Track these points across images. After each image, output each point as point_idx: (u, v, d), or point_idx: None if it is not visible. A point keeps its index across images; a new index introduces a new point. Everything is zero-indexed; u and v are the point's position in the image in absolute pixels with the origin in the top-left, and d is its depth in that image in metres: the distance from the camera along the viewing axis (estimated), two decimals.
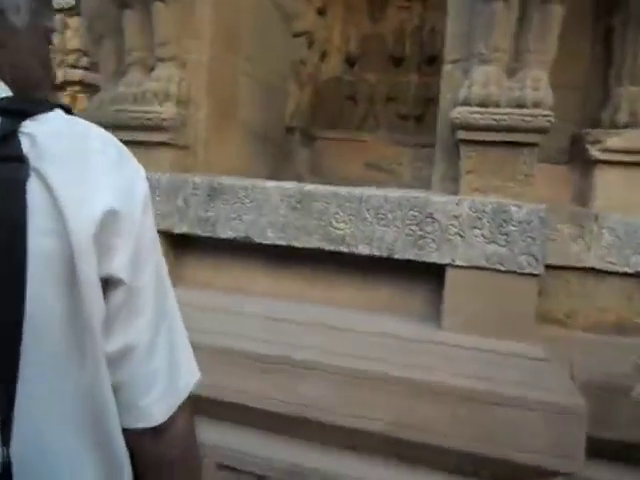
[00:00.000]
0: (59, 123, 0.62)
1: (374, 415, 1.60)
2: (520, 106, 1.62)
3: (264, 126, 2.72)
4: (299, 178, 3.82)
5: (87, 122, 0.66)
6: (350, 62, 4.29)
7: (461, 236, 1.67)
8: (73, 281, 0.57)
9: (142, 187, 0.66)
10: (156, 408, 0.66)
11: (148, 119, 2.01)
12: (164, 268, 0.71)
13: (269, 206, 1.87)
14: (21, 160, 0.56)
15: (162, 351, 0.67)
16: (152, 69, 2.14)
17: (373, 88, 4.22)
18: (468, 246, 1.66)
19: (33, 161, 0.57)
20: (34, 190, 0.56)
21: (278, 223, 1.86)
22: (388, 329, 1.74)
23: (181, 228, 1.98)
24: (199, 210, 1.95)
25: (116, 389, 0.65)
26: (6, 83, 0.66)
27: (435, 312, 1.75)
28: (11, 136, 0.57)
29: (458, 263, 1.67)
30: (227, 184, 1.92)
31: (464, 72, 1.78)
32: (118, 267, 0.61)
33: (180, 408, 0.69)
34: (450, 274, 1.70)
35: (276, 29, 2.76)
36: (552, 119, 1.61)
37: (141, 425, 0.66)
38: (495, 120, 1.64)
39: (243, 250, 1.98)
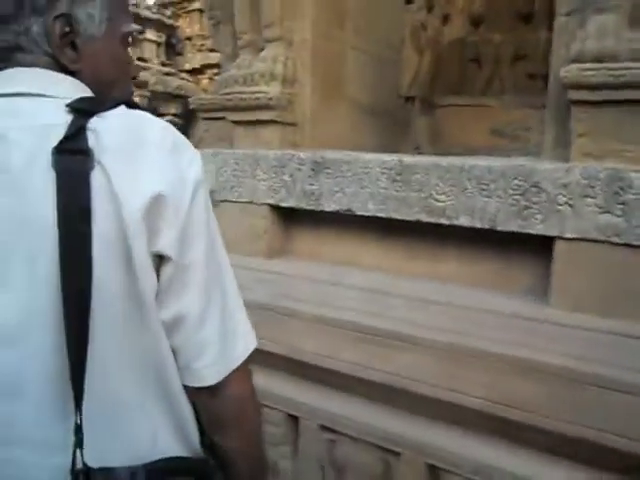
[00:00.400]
0: (121, 119, 0.70)
1: (471, 391, 1.57)
2: None
3: (375, 99, 2.70)
4: (418, 149, 3.76)
5: (148, 115, 0.74)
6: (475, 23, 4.06)
7: (571, 206, 1.54)
8: (128, 257, 0.66)
9: (193, 174, 0.72)
10: (207, 371, 0.74)
11: (256, 99, 2.12)
12: (219, 247, 0.78)
13: (370, 179, 1.88)
14: (87, 153, 0.65)
15: (213, 322, 0.74)
16: (261, 51, 2.24)
17: (499, 48, 3.97)
18: (579, 217, 1.53)
19: (97, 154, 0.66)
20: (97, 179, 0.65)
21: (379, 195, 1.86)
22: (490, 305, 1.67)
23: (288, 202, 2.08)
24: (304, 184, 2.02)
25: (174, 352, 0.73)
26: (86, 84, 0.77)
27: (542, 288, 1.65)
28: (79, 132, 0.66)
29: (567, 235, 1.55)
30: (329, 158, 1.96)
31: (580, 24, 1.61)
32: (165, 245, 0.68)
33: (234, 373, 0.76)
34: (558, 247, 1.58)
35: None
36: None
37: (195, 384, 0.75)
38: (613, 76, 1.47)
39: (346, 223, 2.02)
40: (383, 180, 1.84)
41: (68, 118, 0.67)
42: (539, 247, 1.63)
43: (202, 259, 0.72)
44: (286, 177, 2.06)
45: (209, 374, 0.74)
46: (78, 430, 0.65)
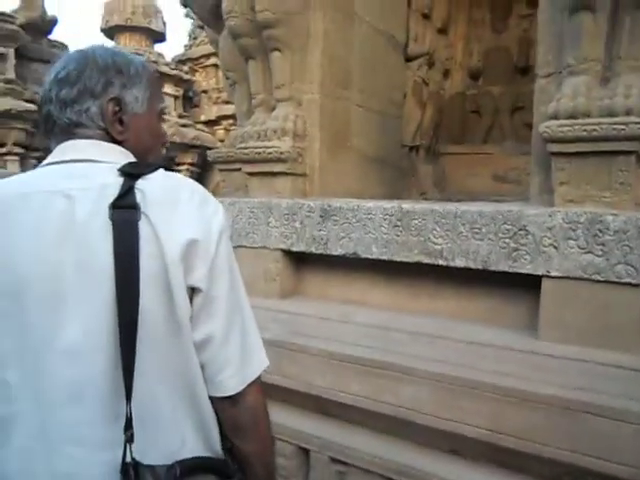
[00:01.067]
0: (160, 180, 0.89)
1: (468, 420, 1.68)
2: (611, 115, 1.62)
3: (380, 150, 2.92)
4: (424, 195, 3.95)
5: (181, 177, 0.93)
6: (474, 77, 4.31)
7: (555, 247, 1.69)
8: (169, 290, 0.83)
9: (218, 223, 0.90)
10: (229, 382, 0.90)
11: (269, 153, 2.33)
12: (239, 281, 0.95)
13: (373, 224, 2.05)
14: (135, 207, 0.82)
15: (234, 342, 0.91)
16: (274, 109, 2.46)
17: (497, 100, 4.19)
18: (563, 257, 1.68)
19: (143, 208, 0.83)
20: (143, 228, 0.82)
21: (381, 240, 2.03)
22: (485, 338, 1.81)
23: (299, 246, 2.25)
24: (313, 230, 2.20)
25: (202, 367, 0.90)
26: (130, 151, 0.96)
27: (532, 323, 1.78)
28: (129, 191, 0.84)
29: (553, 274, 1.70)
30: (336, 206, 2.14)
31: (557, 85, 1.81)
32: (197, 280, 0.85)
33: (251, 386, 0.92)
34: (546, 285, 1.72)
35: (387, 59, 2.95)
36: None
37: (219, 394, 0.91)
38: (586, 131, 1.65)
39: (353, 265, 2.18)
40: (385, 226, 2.02)
41: (119, 180, 0.85)
42: (528, 285, 1.77)
43: (226, 291, 0.89)
44: (297, 224, 2.24)
45: (230, 385, 0.90)
46: (129, 427, 0.80)
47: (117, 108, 0.94)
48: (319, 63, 2.40)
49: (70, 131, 0.93)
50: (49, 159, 0.93)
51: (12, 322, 0.83)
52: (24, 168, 8.73)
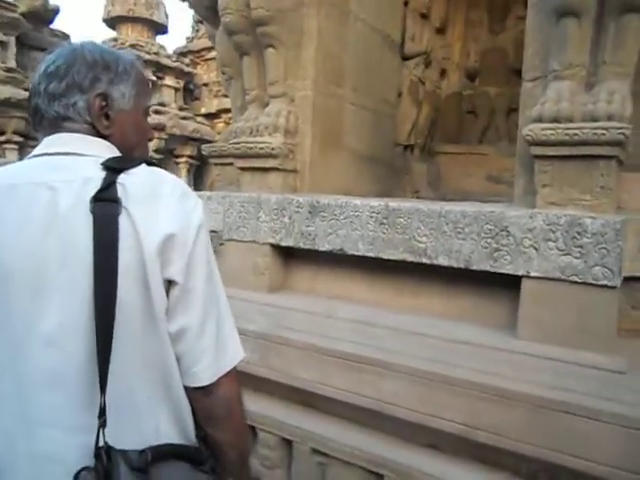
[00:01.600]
0: (142, 175, 0.92)
1: (446, 415, 1.72)
2: (593, 120, 1.65)
3: (372, 148, 2.94)
4: (417, 193, 3.98)
5: (162, 172, 0.95)
6: (470, 77, 4.34)
7: (535, 248, 1.72)
8: (145, 282, 0.86)
9: (196, 218, 0.93)
10: (204, 373, 0.93)
11: (261, 148, 2.36)
12: (216, 274, 0.98)
13: (360, 222, 2.08)
14: (116, 202, 0.85)
15: (209, 334, 0.93)
16: (267, 105, 2.49)
17: (493, 101, 4.22)
18: (542, 258, 1.71)
19: (124, 202, 0.86)
20: (123, 221, 0.85)
21: (368, 237, 2.06)
22: (465, 336, 1.84)
23: (287, 242, 2.28)
24: (302, 226, 2.23)
25: (178, 358, 0.93)
26: (115, 146, 0.99)
27: (512, 322, 1.81)
28: (111, 185, 0.86)
29: (533, 274, 1.73)
30: (324, 202, 2.18)
31: (542, 89, 1.84)
32: (174, 272, 0.88)
33: (225, 377, 0.95)
34: (525, 285, 1.76)
35: (382, 58, 2.97)
36: (627, 131, 1.61)
37: (193, 385, 0.94)
38: (568, 135, 1.68)
39: (339, 261, 2.22)
40: (371, 223, 2.05)
41: (102, 174, 0.88)
42: (509, 285, 1.80)
43: (202, 284, 0.92)
44: (286, 219, 2.28)
45: (205, 376, 0.93)
46: (102, 414, 0.84)
47: (104, 103, 0.97)
48: (313, 60, 2.42)
49: (57, 124, 0.96)
50: (36, 151, 0.96)
51: None
52: (22, 156, 8.75)
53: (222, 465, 1.00)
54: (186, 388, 0.95)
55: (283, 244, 2.30)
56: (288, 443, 2.08)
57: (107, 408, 0.84)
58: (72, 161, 0.92)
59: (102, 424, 0.83)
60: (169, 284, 0.89)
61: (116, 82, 0.99)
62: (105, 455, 0.82)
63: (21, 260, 0.85)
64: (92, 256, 0.83)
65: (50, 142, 0.95)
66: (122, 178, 0.88)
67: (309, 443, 2.00)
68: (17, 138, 8.89)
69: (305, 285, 2.34)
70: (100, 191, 0.85)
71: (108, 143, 0.98)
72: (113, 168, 0.89)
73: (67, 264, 0.84)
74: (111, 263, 0.83)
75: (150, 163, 0.97)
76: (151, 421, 0.92)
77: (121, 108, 1.00)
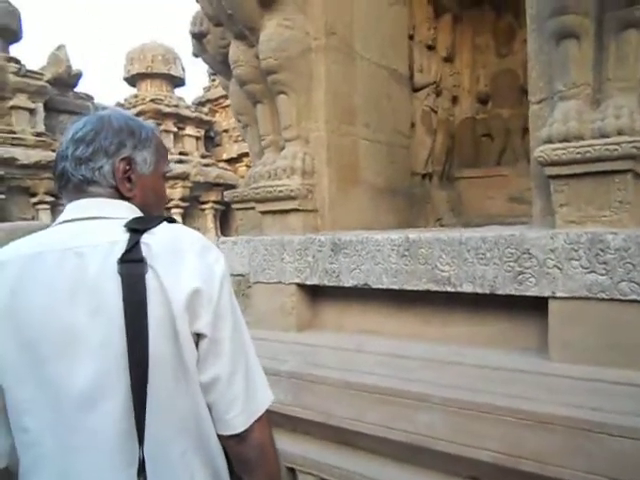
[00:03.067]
0: (163, 233, 0.96)
1: (484, 445, 1.69)
2: (603, 136, 1.66)
3: (389, 180, 2.98)
4: (440, 221, 3.98)
5: (183, 228, 1.01)
6: (482, 101, 4.38)
7: (559, 268, 1.72)
8: (175, 336, 0.90)
9: (219, 270, 0.96)
10: (236, 421, 0.96)
11: (280, 191, 2.42)
12: (241, 323, 1.01)
13: (382, 255, 2.10)
14: (142, 261, 0.90)
15: (239, 382, 0.96)
16: (283, 149, 2.57)
17: (508, 122, 4.24)
18: (567, 277, 1.70)
19: (149, 260, 0.91)
20: (150, 279, 0.90)
21: (391, 270, 2.08)
22: (496, 362, 1.82)
23: (312, 280, 2.31)
24: (325, 263, 2.27)
25: (210, 407, 0.96)
26: (136, 206, 1.05)
27: (542, 344, 1.79)
28: (135, 246, 0.91)
29: (559, 295, 1.72)
30: (346, 239, 2.21)
31: (550, 110, 1.86)
32: (202, 326, 0.92)
33: (257, 422, 0.98)
34: (553, 306, 1.74)
35: (391, 92, 3.04)
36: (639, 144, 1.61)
37: (227, 433, 0.96)
38: (580, 153, 1.69)
39: (365, 296, 2.23)
40: (393, 256, 2.07)
41: (126, 235, 0.93)
42: (536, 307, 1.79)
43: (229, 334, 0.96)
44: (309, 258, 2.31)
45: (238, 423, 0.96)
46: (142, 470, 0.86)
47: (128, 167, 1.03)
48: (323, 102, 2.50)
49: (82, 188, 1.01)
50: (62, 217, 1.01)
51: (29, 374, 0.90)
52: (54, 215, 9.07)
53: None
54: (220, 436, 0.98)
55: (308, 283, 2.33)
56: None
57: (147, 462, 0.87)
58: (97, 225, 0.97)
59: (143, 474, 0.86)
60: (198, 337, 0.93)
61: (139, 148, 1.06)
62: None
63: (51, 323, 0.88)
64: (122, 314, 0.87)
65: (74, 207, 1.01)
66: (145, 238, 0.92)
67: None
68: (49, 198, 9.24)
69: (333, 322, 2.36)
70: (126, 252, 0.89)
71: (130, 204, 1.03)
72: (136, 229, 0.94)
73: (98, 324, 0.88)
74: (141, 320, 0.87)
75: (170, 220, 1.02)
76: (186, 472, 0.94)
77: (143, 172, 1.07)
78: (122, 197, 1.03)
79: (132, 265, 0.89)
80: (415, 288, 2.02)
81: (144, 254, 0.90)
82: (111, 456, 0.89)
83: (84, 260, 0.91)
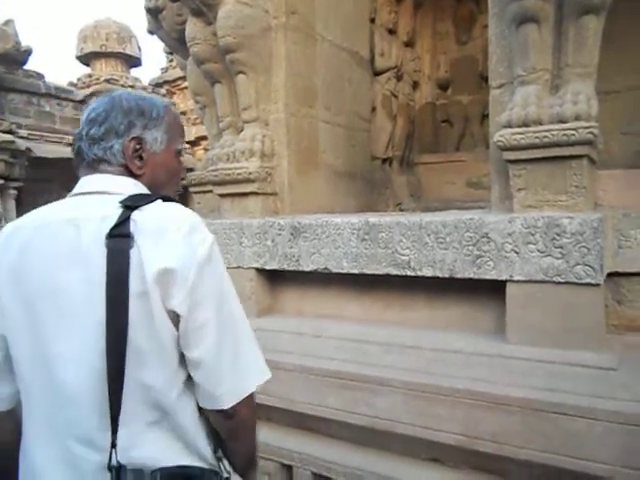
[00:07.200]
0: (153, 211, 0.96)
1: (444, 427, 1.71)
2: (561, 121, 1.67)
3: (349, 164, 2.96)
4: (400, 205, 4.00)
5: (175, 207, 1.00)
6: (442, 87, 4.40)
7: (516, 252, 1.73)
8: (151, 311, 0.91)
9: (202, 252, 0.95)
10: (223, 399, 0.97)
11: (238, 174, 2.36)
12: (231, 304, 1.00)
13: (342, 239, 2.08)
14: (128, 236, 0.92)
15: (226, 362, 0.97)
16: (241, 131, 2.50)
17: (467, 108, 4.28)
18: (524, 261, 1.72)
19: (135, 236, 0.92)
20: (134, 254, 0.91)
21: (351, 254, 2.06)
22: (455, 345, 1.84)
23: (272, 264, 2.28)
24: (285, 248, 2.23)
25: (197, 382, 0.97)
26: (146, 185, 1.07)
27: (501, 327, 1.82)
28: (125, 221, 0.93)
29: (516, 278, 1.74)
30: (305, 223, 2.18)
31: (509, 95, 1.87)
32: (175, 305, 0.92)
33: (245, 400, 0.99)
34: (510, 289, 1.76)
35: (352, 75, 3.01)
36: (595, 130, 1.63)
37: (214, 407, 0.98)
38: (538, 138, 1.70)
39: (325, 280, 2.21)
40: (353, 240, 2.05)
41: (118, 211, 0.95)
42: (494, 290, 1.81)
43: (212, 315, 0.95)
44: (269, 242, 2.27)
45: (225, 400, 0.97)
46: (114, 432, 0.91)
47: (138, 146, 1.07)
48: (283, 83, 2.44)
49: (95, 166, 1.06)
50: (73, 191, 1.07)
51: (26, 327, 0.98)
52: (4, 199, 8.68)
53: (232, 460, 1.08)
54: (208, 410, 1.00)
55: (268, 267, 2.29)
56: (288, 469, 2.05)
57: (119, 427, 0.91)
58: (95, 200, 1.01)
59: (113, 443, 0.90)
60: (175, 316, 0.93)
61: (149, 127, 1.09)
62: (116, 473, 0.90)
63: (46, 286, 0.95)
64: (105, 285, 0.90)
65: (82, 183, 1.06)
66: (135, 214, 0.95)
67: (309, 467, 1.97)
68: None
69: (293, 307, 2.33)
70: (114, 227, 0.93)
71: (135, 181, 1.06)
72: (129, 205, 0.96)
73: (86, 293, 0.93)
74: (122, 293, 0.90)
75: (168, 199, 1.02)
76: (162, 444, 0.96)
77: (154, 150, 1.09)
78: (132, 175, 1.07)
79: (118, 240, 0.92)
80: (375, 272, 2.01)
81: (132, 230, 0.93)
82: (87, 414, 0.94)
83: (80, 231, 0.95)
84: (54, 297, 0.95)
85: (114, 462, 0.90)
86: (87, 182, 1.06)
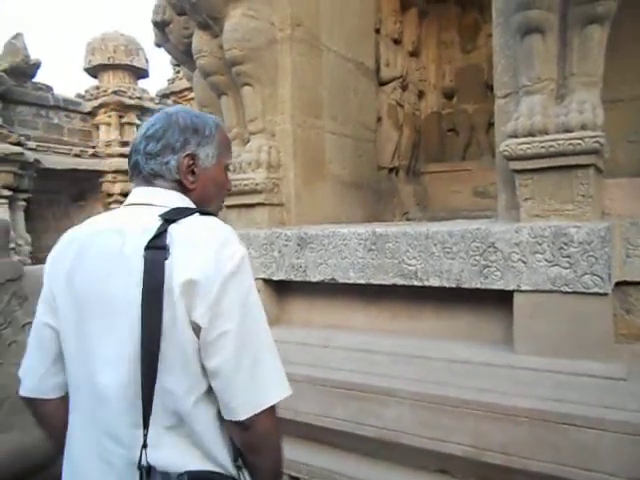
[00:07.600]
0: (188, 224, 1.00)
1: (452, 438, 1.70)
2: (567, 131, 1.67)
3: (355, 174, 2.97)
4: (406, 214, 4.00)
5: (209, 221, 1.03)
6: (448, 96, 4.41)
7: (524, 262, 1.73)
8: (175, 319, 0.94)
9: (229, 267, 0.97)
10: (240, 409, 0.98)
11: (245, 185, 2.38)
12: (254, 317, 1.01)
13: (348, 250, 2.08)
14: (165, 248, 0.96)
15: (244, 374, 0.98)
16: (248, 142, 2.52)
17: (472, 117, 4.28)
18: (532, 271, 1.71)
19: (170, 248, 0.96)
20: (168, 265, 0.94)
21: (358, 264, 2.06)
22: (463, 355, 1.83)
23: (279, 275, 2.28)
24: (292, 258, 2.24)
25: (216, 392, 0.99)
26: (196, 199, 1.12)
27: (508, 337, 1.81)
28: (162, 234, 0.97)
29: (524, 288, 1.73)
30: (312, 234, 2.18)
31: (515, 105, 1.87)
32: (197, 317, 0.95)
33: (262, 413, 0.99)
34: (517, 299, 1.76)
35: (358, 85, 3.02)
36: (602, 139, 1.63)
37: (230, 418, 0.99)
38: (544, 148, 1.70)
39: (332, 290, 2.21)
40: (360, 250, 2.05)
41: (158, 224, 0.99)
42: (502, 300, 1.80)
43: (233, 329, 0.96)
44: (275, 253, 2.28)
45: (241, 412, 0.97)
46: (145, 432, 0.95)
47: (191, 162, 1.12)
48: (289, 94, 2.46)
49: (150, 180, 1.12)
50: (126, 201, 1.13)
51: (74, 328, 1.05)
52: (13, 210, 8.74)
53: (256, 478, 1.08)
54: (227, 421, 1.00)
55: (275, 278, 2.29)
56: None
57: (149, 429, 0.95)
58: (144, 211, 1.06)
59: (144, 444, 0.94)
60: (197, 327, 0.95)
61: (203, 144, 1.13)
62: (146, 473, 0.93)
63: (96, 293, 1.01)
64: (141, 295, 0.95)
65: (134, 194, 1.12)
66: (172, 227, 0.99)
67: (317, 479, 1.96)
68: (6, 192, 8.89)
69: (301, 317, 2.33)
70: (152, 239, 0.97)
71: (183, 196, 1.11)
72: (168, 219, 1.01)
73: (126, 302, 0.97)
74: (156, 303, 0.94)
75: (206, 213, 1.06)
76: (177, 448, 0.98)
77: (205, 166, 1.14)
78: (184, 189, 1.12)
79: (155, 251, 0.96)
80: (382, 282, 2.00)
81: (168, 242, 0.97)
82: (122, 415, 0.98)
83: (124, 241, 1.00)
84: (99, 302, 1.01)
85: (144, 462, 0.94)
86: (139, 193, 1.11)
